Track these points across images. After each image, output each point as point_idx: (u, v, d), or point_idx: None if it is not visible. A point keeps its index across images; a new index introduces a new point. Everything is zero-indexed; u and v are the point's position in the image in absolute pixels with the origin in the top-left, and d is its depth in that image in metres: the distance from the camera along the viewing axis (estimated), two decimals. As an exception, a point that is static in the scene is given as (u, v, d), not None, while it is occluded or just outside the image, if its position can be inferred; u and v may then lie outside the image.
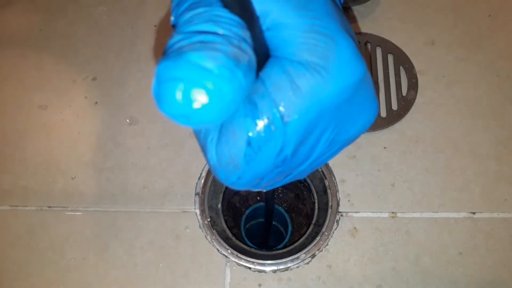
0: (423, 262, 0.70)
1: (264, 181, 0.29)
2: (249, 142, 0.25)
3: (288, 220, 0.94)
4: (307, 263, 0.71)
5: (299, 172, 0.31)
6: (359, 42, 0.88)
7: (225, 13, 0.23)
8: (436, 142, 0.79)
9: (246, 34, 0.23)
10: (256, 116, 0.25)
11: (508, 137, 0.79)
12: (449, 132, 0.80)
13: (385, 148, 0.79)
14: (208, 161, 0.28)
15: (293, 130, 0.25)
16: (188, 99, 0.21)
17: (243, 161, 0.26)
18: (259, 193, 1.00)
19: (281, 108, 0.24)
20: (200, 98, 0.21)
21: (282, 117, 0.25)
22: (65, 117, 0.84)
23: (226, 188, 0.83)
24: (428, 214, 0.74)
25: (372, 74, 0.85)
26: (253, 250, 0.74)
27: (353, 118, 0.29)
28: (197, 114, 0.21)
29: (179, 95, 0.21)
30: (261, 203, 0.99)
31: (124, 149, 0.80)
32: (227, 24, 0.23)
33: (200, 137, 0.28)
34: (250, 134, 0.25)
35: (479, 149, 0.78)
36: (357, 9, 0.92)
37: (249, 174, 0.27)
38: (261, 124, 0.25)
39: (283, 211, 0.97)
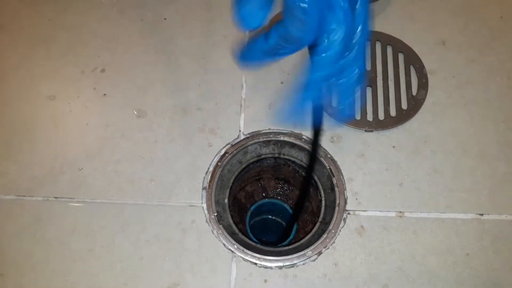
0: (430, 262, 0.70)
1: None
2: None
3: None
4: (313, 260, 0.71)
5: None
6: (369, 40, 0.88)
7: None
8: (445, 142, 0.79)
9: None
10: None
11: (517, 139, 0.79)
12: (458, 133, 0.80)
13: (393, 147, 0.79)
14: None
15: None
16: None
17: None
18: (264, 189, 0.99)
19: None
20: None
21: None
22: (73, 108, 0.84)
23: (233, 183, 0.83)
24: (436, 214, 0.73)
25: (382, 72, 0.85)
26: (259, 246, 0.74)
27: None
28: None
29: None
30: (266, 200, 0.99)
31: (131, 142, 0.80)
32: None
33: None
34: None
35: (488, 151, 0.78)
36: (368, 7, 0.92)
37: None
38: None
39: (288, 208, 0.97)
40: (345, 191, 0.75)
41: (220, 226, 0.73)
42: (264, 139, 0.80)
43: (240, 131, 0.81)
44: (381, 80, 0.84)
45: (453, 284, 0.69)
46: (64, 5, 0.94)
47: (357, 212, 0.74)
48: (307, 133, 0.80)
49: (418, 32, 0.89)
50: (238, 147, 0.79)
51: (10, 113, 0.83)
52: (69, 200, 0.76)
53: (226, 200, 0.80)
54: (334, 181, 0.76)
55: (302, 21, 0.33)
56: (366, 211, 0.74)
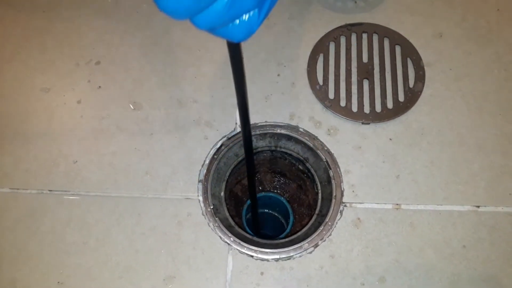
0: (427, 254, 0.70)
1: None
2: None
3: (290, 211, 0.94)
4: (310, 252, 0.70)
5: None
6: (367, 32, 0.87)
7: None
8: (442, 135, 0.78)
9: None
10: None
11: (514, 131, 0.79)
12: (455, 126, 0.79)
13: (390, 139, 0.78)
14: None
15: None
16: None
17: None
18: (261, 183, 0.99)
19: None
20: None
21: None
22: (67, 100, 0.83)
23: (229, 176, 0.82)
24: (432, 206, 0.73)
25: (379, 65, 0.84)
26: (255, 238, 0.74)
27: None
28: None
29: None
30: (263, 193, 0.99)
31: (127, 134, 0.79)
32: None
33: None
34: None
35: (485, 143, 0.78)
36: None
37: None
38: None
39: (284, 201, 0.97)
40: (341, 184, 0.75)
41: (217, 219, 0.72)
42: (261, 131, 0.80)
43: (236, 123, 0.80)
44: (378, 73, 0.83)
45: (450, 275, 0.69)
46: (59, -3, 0.93)
47: (354, 205, 0.74)
48: (303, 125, 0.80)
49: (415, 25, 0.89)
50: (235, 140, 0.79)
51: (4, 105, 0.83)
52: (64, 193, 0.75)
53: (222, 193, 0.80)
54: (331, 173, 0.75)
55: None
56: (363, 203, 0.74)
